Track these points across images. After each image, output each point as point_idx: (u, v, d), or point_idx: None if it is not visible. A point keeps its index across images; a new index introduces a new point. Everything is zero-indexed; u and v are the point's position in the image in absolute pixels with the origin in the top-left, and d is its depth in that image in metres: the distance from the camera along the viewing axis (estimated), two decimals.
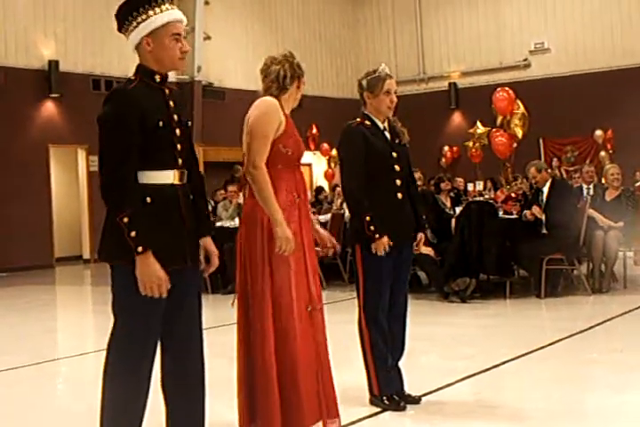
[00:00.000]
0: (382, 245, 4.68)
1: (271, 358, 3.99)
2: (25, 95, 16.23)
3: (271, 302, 4.02)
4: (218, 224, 10.65)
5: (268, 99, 4.19)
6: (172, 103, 3.61)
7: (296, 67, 4.30)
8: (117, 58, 16.35)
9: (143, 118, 3.44)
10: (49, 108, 16.68)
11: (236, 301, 4.16)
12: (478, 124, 17.44)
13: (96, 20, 16.59)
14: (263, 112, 4.13)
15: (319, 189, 16.79)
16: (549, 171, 10.05)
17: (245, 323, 4.12)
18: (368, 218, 4.68)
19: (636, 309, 8.14)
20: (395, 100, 4.89)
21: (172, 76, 18.07)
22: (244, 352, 4.11)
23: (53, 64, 16.47)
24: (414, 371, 5.32)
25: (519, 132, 12.71)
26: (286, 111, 4.24)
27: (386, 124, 4.93)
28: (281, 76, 4.23)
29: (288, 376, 4.02)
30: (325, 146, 19.95)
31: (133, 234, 3.33)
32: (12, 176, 15.74)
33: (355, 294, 4.95)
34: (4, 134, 15.72)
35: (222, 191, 12.73)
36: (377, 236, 4.67)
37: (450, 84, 22.30)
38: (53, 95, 16.54)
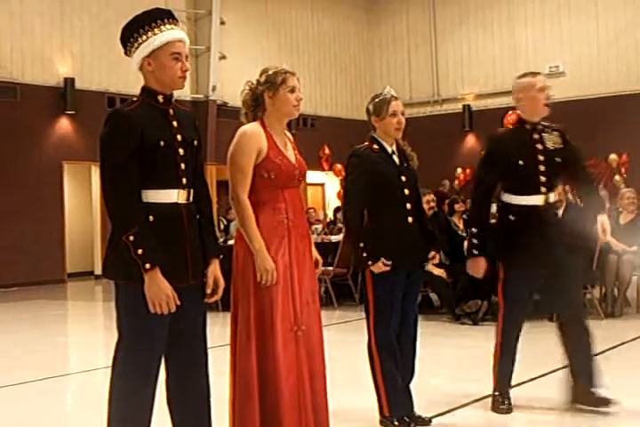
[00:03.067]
0: (378, 267, 4.68)
1: (253, 381, 3.98)
2: (40, 112, 16.34)
3: (254, 324, 4.02)
4: (230, 242, 10.63)
5: (244, 128, 4.20)
6: (175, 123, 3.62)
7: (260, 84, 4.27)
8: (133, 76, 16.27)
9: (143, 138, 3.45)
10: (64, 124, 16.78)
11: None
12: None
13: (113, 38, 16.57)
14: (236, 145, 4.16)
15: (338, 209, 16.73)
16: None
17: (234, 344, 4.12)
18: (362, 244, 4.69)
19: None
20: (402, 121, 4.84)
21: (187, 96, 18.18)
22: (233, 373, 4.10)
23: (69, 81, 16.59)
24: (425, 392, 5.28)
25: None
26: (278, 126, 4.25)
27: (394, 148, 4.90)
28: (245, 102, 4.29)
29: (271, 402, 4.00)
30: (339, 166, 19.95)
31: (140, 252, 3.35)
32: (26, 192, 15.83)
33: (364, 315, 4.92)
34: (18, 150, 15.82)
35: None
36: (370, 262, 4.67)
37: (464, 106, 22.31)
38: (68, 112, 16.64)
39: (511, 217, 5.07)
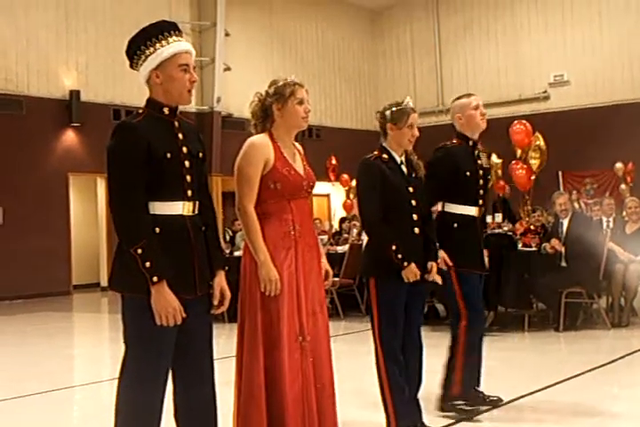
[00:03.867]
0: (411, 271, 4.66)
1: (260, 391, 3.99)
2: (46, 124, 16.37)
3: (262, 335, 4.03)
4: (236, 254, 10.64)
5: (251, 139, 4.23)
6: (180, 135, 3.62)
7: (268, 95, 4.29)
8: (138, 88, 16.38)
9: (149, 150, 3.45)
10: (69, 137, 16.82)
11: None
12: (493, 156, 17.39)
13: (117, 50, 16.66)
14: (243, 155, 4.18)
15: (343, 219, 16.72)
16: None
17: (241, 354, 4.12)
18: (394, 247, 4.65)
19: None
20: (417, 134, 4.89)
21: (192, 107, 18.21)
22: (239, 384, 4.10)
23: (75, 94, 16.63)
24: (433, 403, 5.26)
25: (535, 165, 12.68)
26: (286, 137, 4.27)
27: (402, 158, 4.91)
28: (254, 114, 4.32)
29: (276, 412, 4.00)
30: (345, 177, 19.94)
31: (148, 264, 3.35)
32: (32, 204, 15.86)
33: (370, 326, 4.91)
34: (24, 162, 15.85)
35: None
36: (405, 264, 4.65)
37: None
38: (74, 124, 16.68)
39: (455, 225, 5.36)
